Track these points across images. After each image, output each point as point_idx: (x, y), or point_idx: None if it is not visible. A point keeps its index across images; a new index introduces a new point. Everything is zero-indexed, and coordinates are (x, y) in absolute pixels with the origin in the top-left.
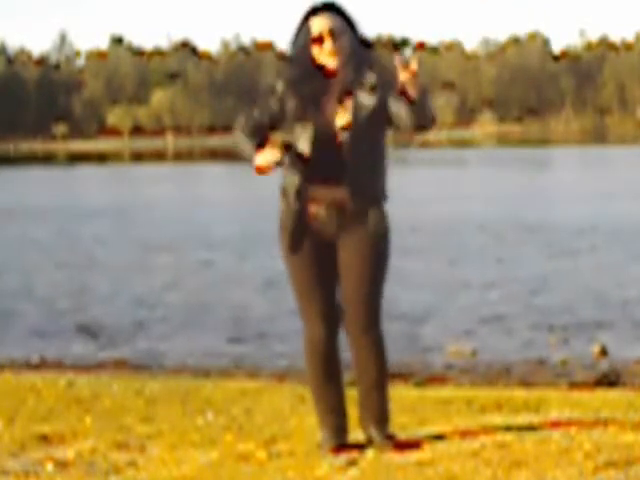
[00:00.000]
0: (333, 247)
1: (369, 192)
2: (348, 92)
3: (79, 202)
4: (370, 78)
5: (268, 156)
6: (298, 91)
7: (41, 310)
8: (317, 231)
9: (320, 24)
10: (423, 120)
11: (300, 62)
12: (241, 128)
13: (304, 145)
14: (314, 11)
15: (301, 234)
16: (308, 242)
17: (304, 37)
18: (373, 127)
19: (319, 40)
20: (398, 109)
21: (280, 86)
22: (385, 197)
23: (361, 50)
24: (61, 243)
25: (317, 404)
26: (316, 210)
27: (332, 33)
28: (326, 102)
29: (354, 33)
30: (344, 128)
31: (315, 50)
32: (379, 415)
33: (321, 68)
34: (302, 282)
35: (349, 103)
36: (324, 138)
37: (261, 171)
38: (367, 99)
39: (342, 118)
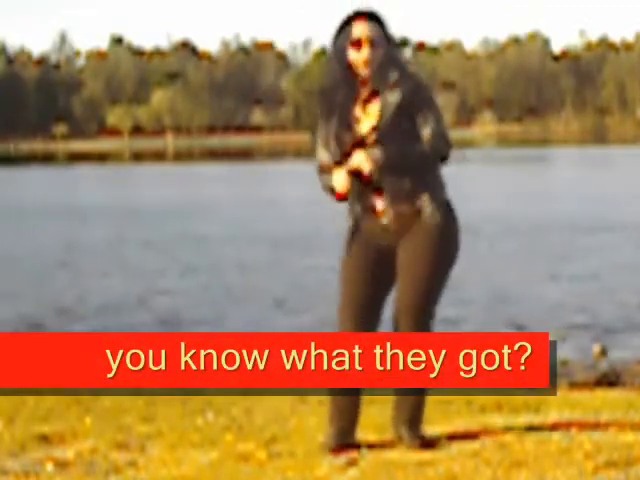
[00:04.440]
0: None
1: (408, 190)
2: (374, 93)
3: (148, 202)
4: (392, 77)
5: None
6: (330, 99)
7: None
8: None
9: (362, 30)
10: (443, 151)
11: (336, 67)
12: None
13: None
14: (358, 15)
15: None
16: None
17: (344, 40)
18: (403, 122)
19: (357, 45)
20: (423, 133)
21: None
22: (435, 187)
23: (392, 65)
24: (184, 244)
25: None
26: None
27: (371, 42)
28: (354, 110)
29: (390, 47)
30: (374, 129)
31: (352, 54)
32: (412, 416)
33: (356, 74)
34: None
35: (375, 106)
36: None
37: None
38: (391, 96)
39: (369, 121)
